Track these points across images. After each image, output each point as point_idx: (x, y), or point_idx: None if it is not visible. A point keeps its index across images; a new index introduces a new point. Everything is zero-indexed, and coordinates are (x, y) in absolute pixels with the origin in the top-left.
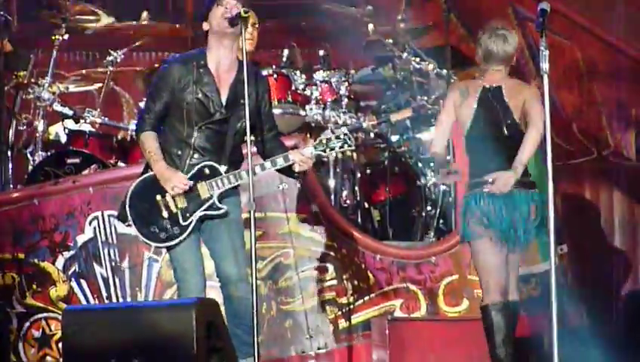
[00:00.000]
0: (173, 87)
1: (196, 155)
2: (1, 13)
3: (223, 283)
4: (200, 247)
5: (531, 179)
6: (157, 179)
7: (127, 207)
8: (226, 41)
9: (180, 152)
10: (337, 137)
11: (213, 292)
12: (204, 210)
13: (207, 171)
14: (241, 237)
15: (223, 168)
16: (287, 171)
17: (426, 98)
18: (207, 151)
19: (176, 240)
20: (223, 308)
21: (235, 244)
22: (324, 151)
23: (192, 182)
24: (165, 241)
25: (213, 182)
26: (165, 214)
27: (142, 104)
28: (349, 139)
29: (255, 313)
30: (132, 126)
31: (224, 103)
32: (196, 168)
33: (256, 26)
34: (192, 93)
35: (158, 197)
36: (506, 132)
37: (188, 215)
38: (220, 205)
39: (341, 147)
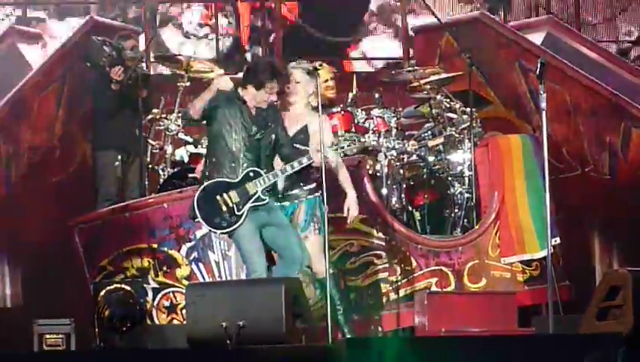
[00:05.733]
0: None
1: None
2: (144, 68)
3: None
4: (259, 236)
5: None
6: (213, 185)
7: (195, 208)
8: None
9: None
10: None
11: None
12: (253, 202)
13: (251, 174)
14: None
15: (262, 171)
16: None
17: (454, 129)
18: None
19: (235, 227)
20: None
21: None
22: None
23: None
24: (227, 228)
25: (257, 181)
26: (224, 208)
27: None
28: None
29: (328, 288)
30: None
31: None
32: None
33: (332, 77)
34: None
35: (218, 197)
36: None
37: (241, 207)
38: (263, 197)
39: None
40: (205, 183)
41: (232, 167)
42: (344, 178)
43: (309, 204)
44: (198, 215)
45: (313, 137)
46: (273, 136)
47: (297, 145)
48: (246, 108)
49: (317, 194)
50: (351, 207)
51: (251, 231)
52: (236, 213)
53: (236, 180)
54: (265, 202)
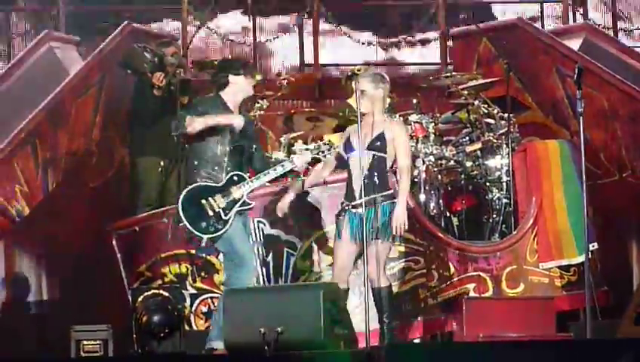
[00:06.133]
0: None
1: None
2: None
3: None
4: (249, 238)
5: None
6: (197, 189)
7: (180, 213)
8: None
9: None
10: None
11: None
12: (239, 206)
13: (235, 178)
14: None
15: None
16: None
17: (492, 135)
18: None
19: (222, 232)
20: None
21: None
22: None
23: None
24: (214, 233)
25: (241, 185)
26: (211, 213)
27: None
28: (327, 150)
29: (366, 293)
30: (274, 155)
31: None
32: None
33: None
34: None
35: (203, 201)
36: None
37: (227, 212)
38: (248, 201)
39: (317, 154)
40: (189, 187)
41: (216, 170)
42: (403, 187)
43: (384, 209)
44: (184, 219)
45: (391, 143)
46: (254, 147)
47: (374, 153)
48: (230, 112)
49: (394, 200)
50: (397, 216)
51: (242, 231)
52: (223, 217)
53: (220, 184)
54: (250, 206)
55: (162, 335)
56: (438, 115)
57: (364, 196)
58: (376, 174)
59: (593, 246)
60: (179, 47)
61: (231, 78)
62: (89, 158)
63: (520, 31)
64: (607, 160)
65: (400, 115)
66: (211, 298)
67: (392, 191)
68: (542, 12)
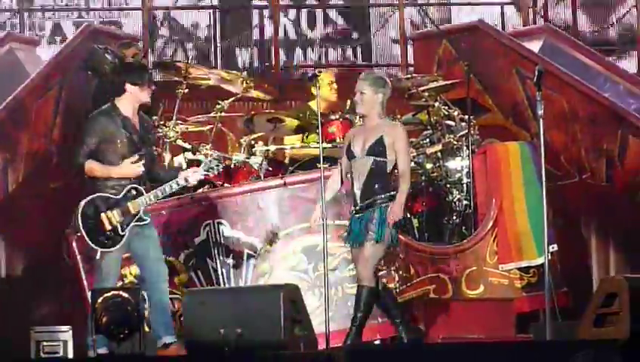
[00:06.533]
0: None
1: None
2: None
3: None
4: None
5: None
6: (96, 201)
7: (79, 224)
8: None
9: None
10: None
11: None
12: (135, 221)
13: (133, 192)
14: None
15: (142, 188)
16: None
17: (452, 136)
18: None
19: (118, 246)
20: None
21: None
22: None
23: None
24: (110, 247)
25: (138, 200)
26: (109, 227)
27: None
28: (216, 165)
29: (326, 294)
30: (235, 157)
31: None
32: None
33: (333, 80)
34: None
35: (103, 214)
36: None
37: (125, 226)
38: (144, 217)
39: (207, 170)
40: (88, 198)
41: (123, 182)
42: (403, 189)
43: (380, 211)
44: (82, 231)
45: (391, 147)
46: (155, 153)
47: (374, 158)
48: (128, 122)
49: (390, 202)
50: (394, 210)
51: (118, 256)
52: (120, 232)
53: (118, 197)
54: (146, 222)
55: (121, 336)
56: (398, 116)
57: (366, 199)
58: (377, 179)
59: (553, 247)
60: (140, 49)
61: (128, 86)
62: (49, 159)
63: (480, 33)
64: (567, 162)
65: (360, 117)
66: (172, 299)
67: (393, 193)
68: (502, 14)
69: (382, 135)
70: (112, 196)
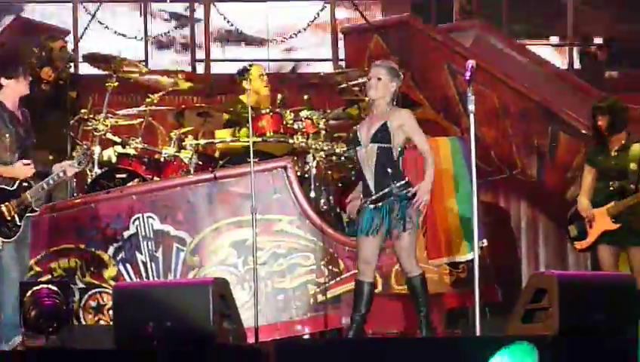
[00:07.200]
0: None
1: None
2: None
3: None
4: None
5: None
6: None
7: None
8: None
9: None
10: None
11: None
12: (28, 213)
13: (24, 184)
14: None
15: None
16: None
17: None
18: None
19: (15, 236)
20: None
21: None
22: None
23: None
24: (10, 238)
25: (29, 192)
26: (8, 218)
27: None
28: (82, 160)
29: (256, 288)
30: (165, 150)
31: None
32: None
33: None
34: None
35: (2, 205)
36: None
37: (21, 217)
38: (35, 208)
39: (79, 163)
40: None
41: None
42: (429, 167)
43: (401, 198)
44: None
45: (399, 130)
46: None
47: (378, 144)
48: (14, 116)
49: (410, 189)
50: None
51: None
52: (17, 223)
53: (13, 188)
54: (36, 213)
55: (50, 329)
56: (329, 111)
57: (381, 189)
58: (386, 165)
59: (483, 243)
60: (67, 42)
61: (3, 81)
62: None
63: (411, 27)
64: (498, 157)
65: (291, 111)
66: (100, 293)
67: (406, 179)
68: (432, 8)
69: (386, 121)
70: (6, 188)
